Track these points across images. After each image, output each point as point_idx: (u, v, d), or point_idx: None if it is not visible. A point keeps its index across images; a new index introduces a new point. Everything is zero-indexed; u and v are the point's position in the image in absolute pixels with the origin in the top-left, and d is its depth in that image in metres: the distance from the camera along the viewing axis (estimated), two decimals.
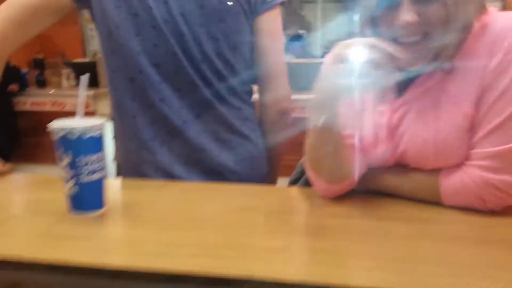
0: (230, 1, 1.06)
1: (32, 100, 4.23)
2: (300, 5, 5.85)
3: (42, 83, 4.47)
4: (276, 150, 1.22)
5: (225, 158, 1.10)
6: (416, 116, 0.80)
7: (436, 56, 0.75)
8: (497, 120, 0.73)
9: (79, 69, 4.61)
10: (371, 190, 0.88)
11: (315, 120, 0.78)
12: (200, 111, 1.08)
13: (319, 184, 0.87)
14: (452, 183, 0.78)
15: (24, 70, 4.41)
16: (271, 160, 1.21)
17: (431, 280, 0.56)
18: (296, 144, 1.07)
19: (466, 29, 0.74)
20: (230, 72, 1.10)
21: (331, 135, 0.79)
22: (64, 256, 0.64)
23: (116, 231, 0.77)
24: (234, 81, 1.10)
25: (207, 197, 0.91)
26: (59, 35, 5.29)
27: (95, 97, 3.90)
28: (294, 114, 1.18)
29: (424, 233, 0.71)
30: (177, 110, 1.07)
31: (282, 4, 1.15)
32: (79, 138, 0.76)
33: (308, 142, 0.84)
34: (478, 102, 0.75)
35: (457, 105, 0.76)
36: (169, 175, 1.08)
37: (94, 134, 0.77)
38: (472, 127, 0.76)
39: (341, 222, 0.77)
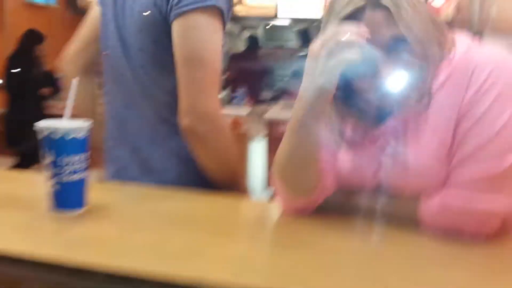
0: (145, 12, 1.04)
1: (63, 105, 4.37)
2: None
3: None
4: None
5: None
6: (394, 142, 0.80)
7: (418, 94, 0.77)
8: (469, 149, 0.74)
9: None
10: (345, 210, 0.87)
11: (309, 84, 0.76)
12: None
13: (283, 194, 0.87)
14: (429, 209, 0.77)
15: (58, 75, 4.59)
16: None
17: None
18: None
19: (437, 67, 0.77)
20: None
21: (310, 131, 0.78)
22: (31, 249, 0.67)
23: (86, 230, 0.79)
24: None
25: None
26: None
27: None
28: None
29: (381, 253, 0.71)
30: None
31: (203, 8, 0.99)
32: (62, 138, 0.79)
33: (283, 144, 0.84)
34: (455, 131, 0.75)
35: (435, 134, 0.77)
36: None
37: (78, 135, 0.80)
38: (449, 155, 0.76)
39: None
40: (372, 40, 0.71)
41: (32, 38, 4.08)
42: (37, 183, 0.84)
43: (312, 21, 5.52)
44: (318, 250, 0.72)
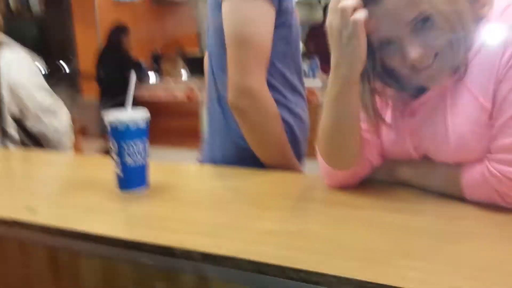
0: None
1: (150, 92, 4.67)
2: None
3: (158, 76, 4.91)
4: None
5: None
6: (434, 113, 0.79)
7: (453, 66, 0.75)
8: (510, 112, 0.70)
9: (192, 63, 4.98)
10: (391, 181, 0.88)
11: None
12: None
13: (325, 168, 0.89)
14: (472, 177, 0.76)
15: (145, 63, 4.88)
16: None
17: (405, 274, 0.57)
18: None
19: (471, 34, 0.73)
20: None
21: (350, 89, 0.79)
22: (104, 228, 0.76)
23: (146, 209, 0.87)
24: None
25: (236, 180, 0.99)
26: (178, 31, 5.72)
27: (201, 88, 4.19)
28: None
29: (429, 228, 0.71)
30: None
31: None
32: (127, 127, 0.88)
33: (322, 119, 0.85)
34: (494, 95, 0.72)
35: (474, 99, 0.74)
36: None
37: (140, 124, 0.89)
38: (490, 121, 0.73)
39: (346, 211, 0.79)
40: (397, 21, 0.70)
41: (118, 31, 4.37)
42: (110, 167, 0.94)
43: None
44: (367, 223, 0.74)
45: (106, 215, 0.84)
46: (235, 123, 1.12)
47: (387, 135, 0.87)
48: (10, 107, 1.47)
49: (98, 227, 0.75)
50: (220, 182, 1.04)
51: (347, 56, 0.74)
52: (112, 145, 0.90)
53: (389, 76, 0.81)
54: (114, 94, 4.26)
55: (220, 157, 1.21)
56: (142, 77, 4.64)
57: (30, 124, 1.51)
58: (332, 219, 0.78)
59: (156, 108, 4.52)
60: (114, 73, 4.28)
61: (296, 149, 1.19)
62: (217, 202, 0.90)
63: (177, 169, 1.19)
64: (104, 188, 0.95)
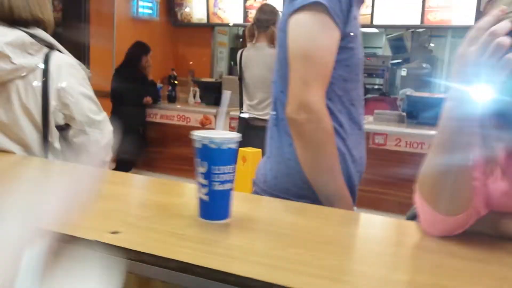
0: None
1: (162, 113, 4.60)
2: (428, 39, 5.66)
3: (172, 98, 4.86)
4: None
5: None
6: None
7: None
8: None
9: (205, 88, 4.94)
10: (493, 234, 0.81)
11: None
12: None
13: (429, 215, 0.81)
14: None
15: (159, 85, 4.84)
16: None
17: None
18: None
19: None
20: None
21: (459, 139, 0.73)
22: (192, 258, 0.68)
23: (238, 241, 0.79)
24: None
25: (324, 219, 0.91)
26: (192, 55, 5.73)
27: (216, 116, 4.14)
28: None
29: None
30: None
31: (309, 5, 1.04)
32: (218, 148, 0.80)
33: (428, 160, 0.79)
34: None
35: None
36: None
37: (232, 146, 0.81)
38: None
39: (459, 263, 0.72)
40: None
41: (139, 49, 4.34)
42: (186, 192, 0.86)
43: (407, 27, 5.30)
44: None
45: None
46: (289, 146, 1.11)
47: (497, 184, 0.81)
48: (56, 115, 1.38)
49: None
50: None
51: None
52: (200, 167, 0.82)
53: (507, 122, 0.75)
54: (127, 112, 4.23)
55: (272, 178, 1.18)
56: (155, 99, 4.58)
57: (73, 134, 1.42)
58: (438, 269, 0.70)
59: (168, 132, 4.51)
60: (130, 91, 4.22)
61: (348, 182, 1.13)
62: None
63: (247, 198, 1.11)
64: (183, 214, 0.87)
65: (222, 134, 0.81)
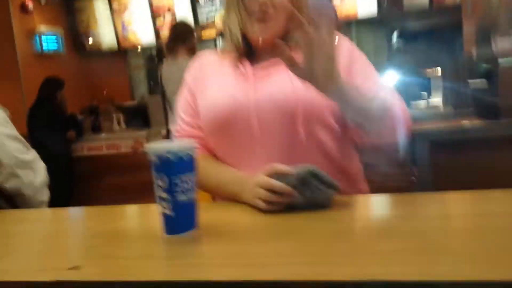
0: None
1: (89, 145, 4.39)
2: None
3: (97, 129, 4.65)
4: None
5: None
6: None
7: None
8: None
9: (128, 112, 4.79)
10: None
11: None
12: None
13: None
14: None
15: (80, 117, 4.62)
16: None
17: None
18: None
19: None
20: None
21: None
22: (167, 275, 0.65)
23: (211, 247, 0.76)
24: None
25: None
26: (108, 82, 5.53)
27: (148, 138, 4.02)
28: None
29: None
30: None
31: None
32: (177, 157, 0.76)
33: None
34: None
35: None
36: None
37: (191, 152, 0.78)
38: None
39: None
40: None
41: (52, 86, 4.11)
42: (139, 214, 0.81)
43: None
44: None
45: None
46: None
47: None
48: None
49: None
50: None
51: None
52: (159, 180, 0.77)
53: None
54: (50, 150, 3.97)
55: None
56: (79, 132, 4.36)
57: (3, 179, 1.30)
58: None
59: (99, 164, 4.30)
60: (49, 132, 3.98)
61: None
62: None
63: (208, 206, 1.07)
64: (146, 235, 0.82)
65: (177, 143, 0.78)
